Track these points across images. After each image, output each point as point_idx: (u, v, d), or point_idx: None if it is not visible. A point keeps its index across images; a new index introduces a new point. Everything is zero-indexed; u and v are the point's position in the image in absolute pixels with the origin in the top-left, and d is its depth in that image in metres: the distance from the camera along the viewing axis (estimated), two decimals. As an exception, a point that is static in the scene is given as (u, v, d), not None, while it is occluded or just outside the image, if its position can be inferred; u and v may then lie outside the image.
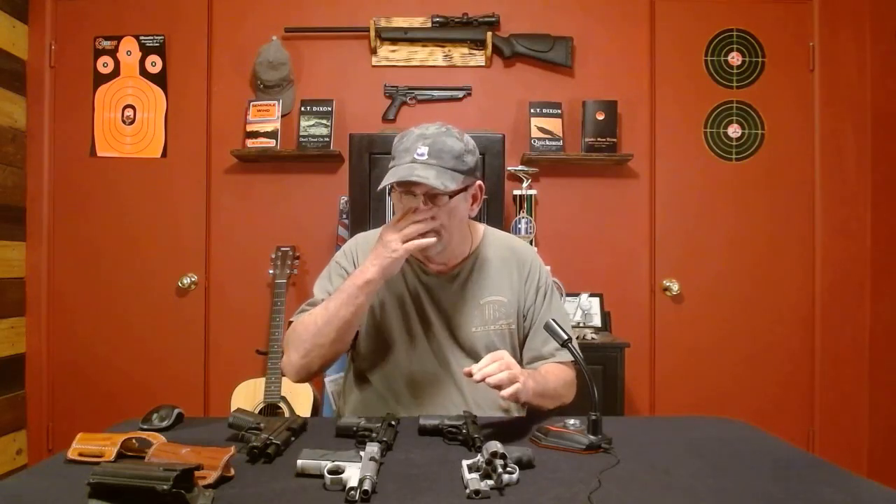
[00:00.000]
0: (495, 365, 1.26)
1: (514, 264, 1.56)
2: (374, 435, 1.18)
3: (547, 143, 2.88)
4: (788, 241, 2.93)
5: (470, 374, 1.26)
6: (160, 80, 2.93)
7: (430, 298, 1.51)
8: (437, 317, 1.51)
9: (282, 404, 2.47)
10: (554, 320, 1.34)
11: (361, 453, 1.03)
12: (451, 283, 1.52)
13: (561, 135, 2.89)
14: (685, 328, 2.92)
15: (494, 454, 0.98)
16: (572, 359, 1.41)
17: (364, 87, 2.95)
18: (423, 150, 1.37)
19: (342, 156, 2.84)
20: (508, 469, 0.98)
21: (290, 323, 1.51)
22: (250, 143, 2.85)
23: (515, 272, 1.55)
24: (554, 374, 1.47)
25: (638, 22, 2.95)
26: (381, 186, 1.39)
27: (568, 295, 2.74)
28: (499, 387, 1.25)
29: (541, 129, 2.88)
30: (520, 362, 1.56)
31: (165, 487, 0.81)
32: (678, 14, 2.94)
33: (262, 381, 2.53)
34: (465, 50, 2.95)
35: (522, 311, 1.55)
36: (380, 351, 1.52)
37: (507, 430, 1.31)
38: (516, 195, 2.83)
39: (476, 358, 1.45)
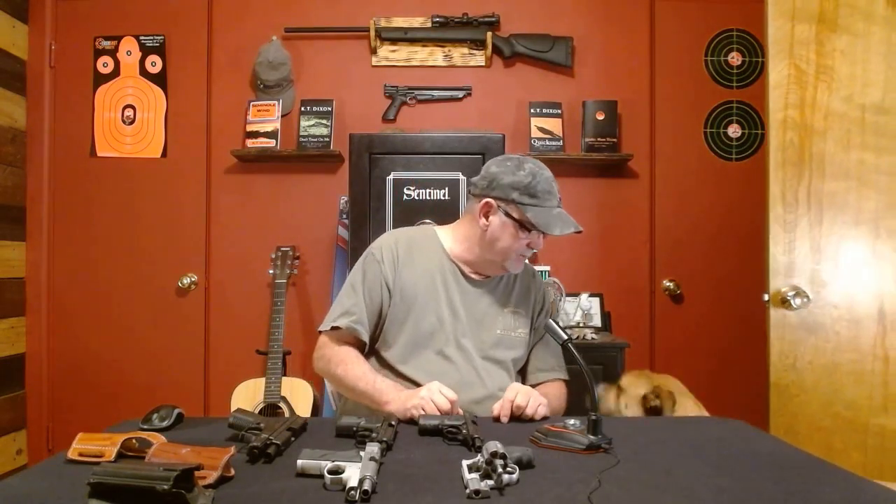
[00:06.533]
0: (521, 397, 1.40)
1: (528, 280, 1.72)
2: (374, 435, 1.18)
3: (547, 143, 2.88)
4: (788, 241, 2.93)
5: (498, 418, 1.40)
6: (160, 80, 2.93)
7: (463, 300, 1.63)
8: (467, 316, 1.61)
9: (282, 404, 2.46)
10: (554, 320, 1.41)
11: (361, 453, 1.03)
12: (483, 288, 1.66)
13: (561, 135, 2.89)
14: (685, 328, 2.92)
15: (494, 454, 0.98)
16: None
17: (364, 87, 2.94)
18: (559, 196, 1.56)
19: (342, 156, 2.84)
20: (508, 469, 0.98)
21: (331, 329, 1.60)
22: (250, 143, 2.85)
23: (530, 287, 1.71)
24: (555, 396, 1.62)
25: (638, 22, 2.96)
26: (560, 233, 1.52)
27: (568, 295, 2.74)
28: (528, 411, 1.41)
29: (541, 129, 2.88)
30: (525, 366, 1.70)
31: (165, 487, 0.81)
32: (678, 14, 2.94)
33: (262, 381, 2.52)
34: (465, 50, 2.95)
35: (534, 325, 1.70)
36: (410, 346, 1.59)
37: (507, 430, 1.31)
38: (516, 195, 2.82)
39: (492, 357, 1.60)
